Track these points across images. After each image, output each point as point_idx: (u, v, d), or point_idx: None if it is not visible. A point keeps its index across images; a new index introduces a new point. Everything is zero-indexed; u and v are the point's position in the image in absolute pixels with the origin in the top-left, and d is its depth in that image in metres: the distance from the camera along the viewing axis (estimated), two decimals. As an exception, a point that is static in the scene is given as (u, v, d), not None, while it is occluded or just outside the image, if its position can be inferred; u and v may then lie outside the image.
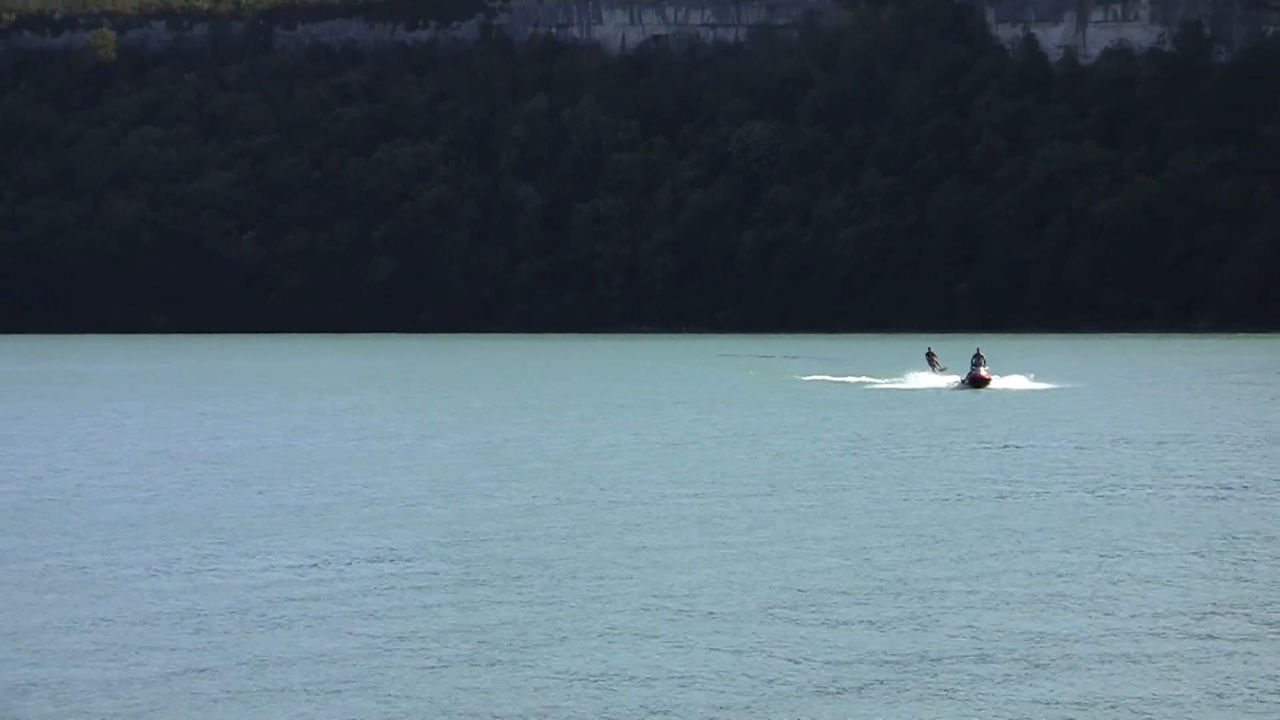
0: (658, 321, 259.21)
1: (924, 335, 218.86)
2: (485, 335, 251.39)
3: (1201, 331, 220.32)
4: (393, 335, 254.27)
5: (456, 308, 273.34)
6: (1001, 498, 42.06)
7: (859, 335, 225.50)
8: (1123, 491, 43.01)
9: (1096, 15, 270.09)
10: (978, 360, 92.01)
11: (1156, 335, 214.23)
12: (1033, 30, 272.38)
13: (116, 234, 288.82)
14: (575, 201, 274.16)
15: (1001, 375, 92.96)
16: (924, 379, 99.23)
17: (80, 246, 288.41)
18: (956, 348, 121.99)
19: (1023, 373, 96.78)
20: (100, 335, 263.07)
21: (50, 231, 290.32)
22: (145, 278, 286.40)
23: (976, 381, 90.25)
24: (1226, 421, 67.24)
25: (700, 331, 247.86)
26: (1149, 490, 42.96)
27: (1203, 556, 31.99)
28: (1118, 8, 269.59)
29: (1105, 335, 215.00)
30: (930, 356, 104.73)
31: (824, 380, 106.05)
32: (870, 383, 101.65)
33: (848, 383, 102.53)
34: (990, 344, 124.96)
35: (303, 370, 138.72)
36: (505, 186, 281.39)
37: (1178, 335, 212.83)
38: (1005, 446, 57.38)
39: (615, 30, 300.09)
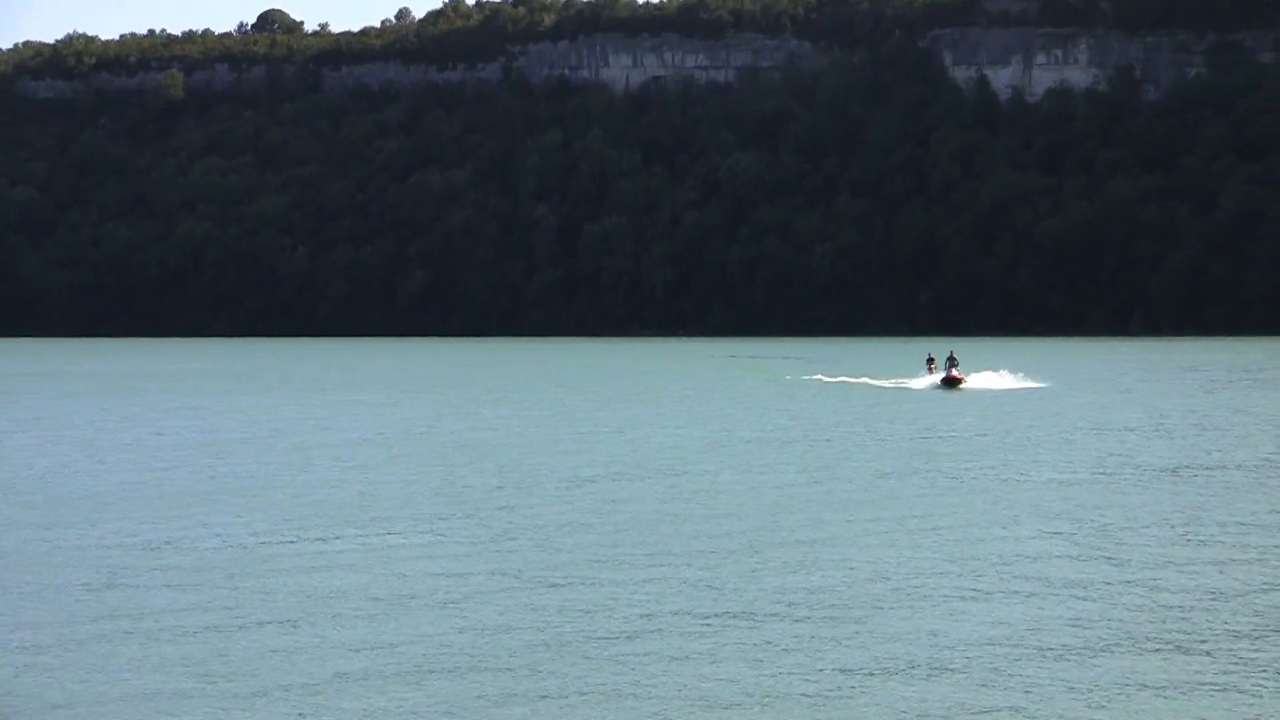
0: (657, 325, 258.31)
1: (890, 338, 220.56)
2: (506, 338, 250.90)
3: (1133, 334, 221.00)
4: (425, 338, 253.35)
5: (481, 314, 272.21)
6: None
7: (833, 338, 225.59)
8: (1118, 472, 43.84)
9: (1040, 59, 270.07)
10: (951, 362, 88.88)
11: (1094, 338, 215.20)
12: (985, 72, 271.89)
13: (185, 250, 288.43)
14: (585, 221, 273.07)
15: (967, 374, 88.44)
16: (919, 381, 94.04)
17: (153, 261, 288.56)
18: (923, 349, 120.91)
19: (995, 370, 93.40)
20: (170, 338, 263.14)
21: (128, 249, 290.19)
22: (209, 288, 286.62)
23: (950, 382, 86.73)
24: (1184, 412, 68.10)
25: (694, 334, 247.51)
26: (1137, 470, 44.10)
27: (1188, 528, 33.07)
28: (1059, 52, 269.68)
29: (1048, 338, 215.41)
30: (930, 361, 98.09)
31: (820, 379, 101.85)
32: (870, 382, 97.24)
33: (851, 382, 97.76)
34: (950, 344, 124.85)
35: (364, 369, 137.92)
36: (523, 208, 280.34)
37: (1112, 338, 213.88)
38: (1026, 436, 58.47)
39: (620, 72, 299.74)
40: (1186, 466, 43.63)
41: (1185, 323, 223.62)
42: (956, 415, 67.51)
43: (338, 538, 31.75)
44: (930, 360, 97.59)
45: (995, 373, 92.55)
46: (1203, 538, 30.00)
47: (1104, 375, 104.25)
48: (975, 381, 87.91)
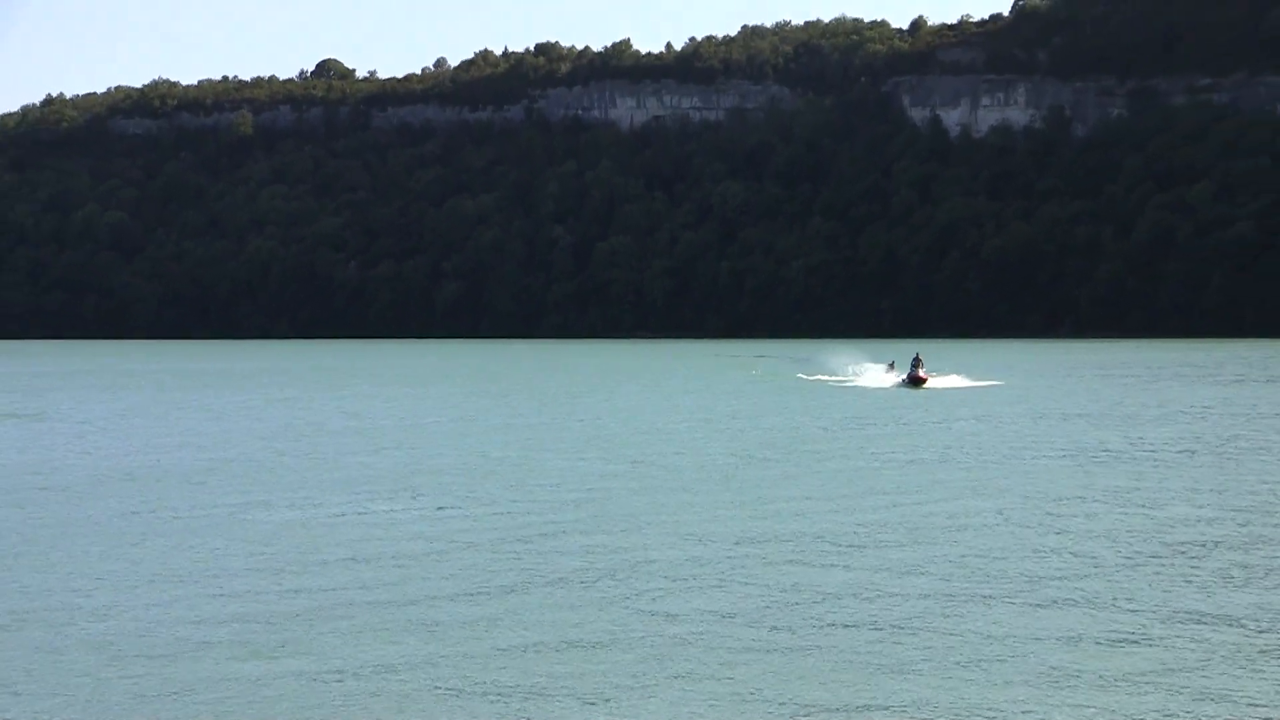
0: (658, 330, 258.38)
1: (858, 340, 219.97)
2: (528, 340, 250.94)
3: (1063, 337, 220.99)
4: (458, 340, 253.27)
5: (506, 319, 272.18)
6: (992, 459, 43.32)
7: (808, 339, 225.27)
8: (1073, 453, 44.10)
9: (985, 101, 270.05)
10: (916, 363, 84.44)
11: (1031, 339, 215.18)
12: (938, 112, 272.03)
13: (253, 265, 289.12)
14: (596, 240, 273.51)
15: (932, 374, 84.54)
16: (878, 378, 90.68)
17: (226, 275, 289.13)
18: (889, 350, 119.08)
19: (954, 374, 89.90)
20: (240, 340, 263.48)
21: (204, 264, 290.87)
22: (274, 297, 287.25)
23: (915, 381, 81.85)
24: (1122, 402, 67.90)
25: (690, 337, 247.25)
26: (1080, 451, 44.20)
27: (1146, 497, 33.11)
28: (1001, 95, 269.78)
29: (992, 340, 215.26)
30: (892, 365, 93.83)
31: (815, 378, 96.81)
32: (847, 381, 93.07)
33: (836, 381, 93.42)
34: (912, 346, 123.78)
35: (410, 366, 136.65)
36: (543, 228, 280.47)
37: (1047, 340, 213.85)
38: (978, 424, 58.58)
39: (626, 112, 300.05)
40: (1127, 449, 44.03)
41: (1108, 327, 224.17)
42: (919, 408, 67.45)
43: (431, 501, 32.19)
44: (891, 364, 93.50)
45: (953, 375, 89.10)
46: (1132, 504, 30.51)
47: (1045, 373, 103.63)
48: (935, 382, 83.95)
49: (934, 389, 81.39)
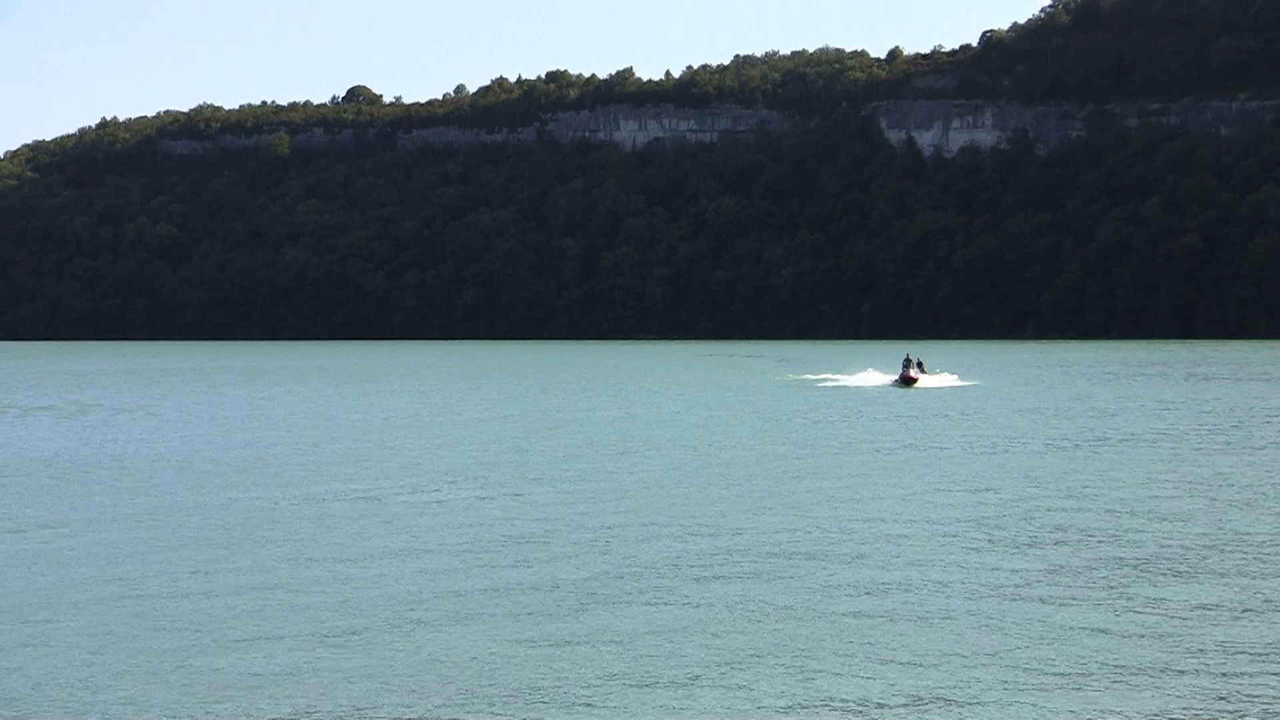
0: (658, 331, 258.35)
1: (839, 341, 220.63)
2: (540, 341, 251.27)
3: (1027, 338, 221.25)
4: (476, 341, 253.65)
5: (520, 322, 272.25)
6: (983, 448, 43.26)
7: (794, 341, 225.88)
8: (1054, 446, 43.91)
9: (956, 124, 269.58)
10: (907, 364, 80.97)
11: (997, 340, 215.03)
12: (912, 134, 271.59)
13: (290, 273, 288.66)
14: (602, 250, 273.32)
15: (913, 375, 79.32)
16: (871, 378, 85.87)
17: (265, 281, 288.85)
18: (863, 350, 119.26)
19: (937, 372, 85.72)
20: (278, 341, 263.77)
21: (245, 272, 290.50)
22: (309, 302, 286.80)
23: (906, 381, 78.02)
24: (1095, 398, 67.81)
25: (686, 338, 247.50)
26: (1059, 440, 44.29)
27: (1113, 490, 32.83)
28: (970, 119, 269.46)
29: (962, 341, 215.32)
30: (908, 363, 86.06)
31: (805, 378, 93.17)
32: (833, 380, 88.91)
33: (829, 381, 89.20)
34: (886, 347, 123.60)
35: (433, 365, 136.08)
36: (554, 240, 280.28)
37: (1011, 341, 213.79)
38: (969, 419, 58.40)
39: (629, 134, 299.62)
40: (1104, 438, 43.95)
41: (1068, 329, 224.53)
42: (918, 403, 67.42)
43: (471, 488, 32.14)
44: (909, 362, 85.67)
45: (945, 375, 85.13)
46: (1096, 489, 30.34)
47: (1018, 371, 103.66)
48: (926, 381, 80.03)
49: (924, 388, 78.15)
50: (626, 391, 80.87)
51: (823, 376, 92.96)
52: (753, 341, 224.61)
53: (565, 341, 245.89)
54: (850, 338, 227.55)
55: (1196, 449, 41.40)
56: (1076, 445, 43.12)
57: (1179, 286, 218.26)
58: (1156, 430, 48.38)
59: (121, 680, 15.92)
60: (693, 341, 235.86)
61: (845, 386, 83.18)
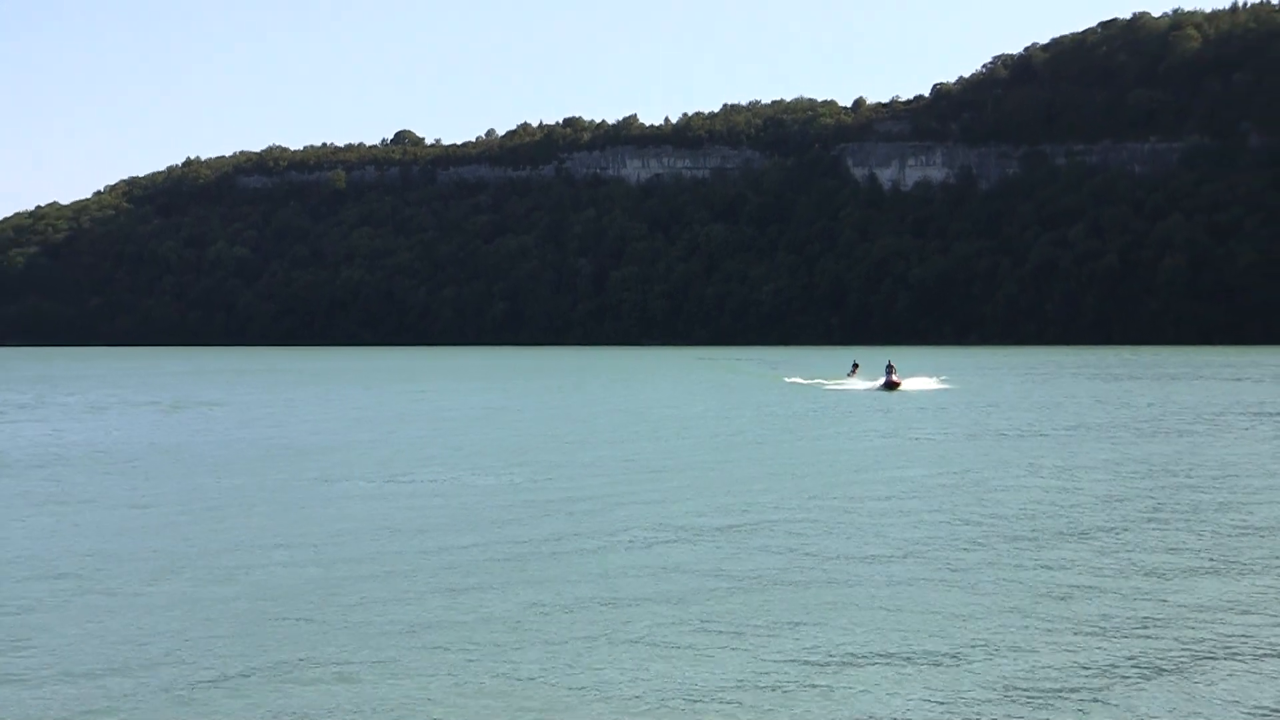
0: (658, 339, 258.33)
1: (815, 347, 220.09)
2: (558, 347, 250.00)
3: (972, 344, 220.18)
4: (503, 347, 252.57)
5: (540, 331, 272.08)
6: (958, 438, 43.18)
7: (775, 347, 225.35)
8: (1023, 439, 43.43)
9: (911, 162, 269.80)
10: (890, 369, 73.95)
11: (945, 346, 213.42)
12: (874, 170, 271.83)
13: (346, 288, 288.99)
14: (611, 269, 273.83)
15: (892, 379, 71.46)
16: (852, 383, 78.93)
17: (325, 295, 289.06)
18: (831, 356, 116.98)
19: (926, 375, 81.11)
20: (335, 347, 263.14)
21: (307, 288, 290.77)
22: (362, 313, 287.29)
23: (890, 386, 70.66)
24: (1052, 396, 67.58)
25: (683, 345, 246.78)
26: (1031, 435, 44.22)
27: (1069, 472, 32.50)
28: (923, 157, 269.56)
29: (915, 346, 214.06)
30: (855, 368, 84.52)
31: (798, 380, 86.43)
32: (824, 383, 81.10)
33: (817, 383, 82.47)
34: (852, 352, 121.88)
35: (470, 367, 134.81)
36: (569, 261, 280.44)
37: (960, 347, 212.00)
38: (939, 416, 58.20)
39: (633, 170, 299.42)
40: (1053, 430, 43.92)
41: (1006, 337, 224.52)
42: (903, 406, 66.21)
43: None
44: (855, 366, 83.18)
45: (923, 378, 79.26)
46: (1044, 473, 30.34)
47: (978, 374, 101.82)
48: (908, 385, 73.24)
49: (907, 391, 71.22)
50: (664, 388, 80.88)
51: (814, 381, 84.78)
52: (740, 347, 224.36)
53: (579, 347, 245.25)
54: (823, 344, 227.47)
55: (1136, 436, 41.45)
56: (1064, 433, 43.24)
57: (1100, 300, 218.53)
58: (1080, 422, 48.39)
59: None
60: (689, 347, 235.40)
61: (834, 389, 76.79)
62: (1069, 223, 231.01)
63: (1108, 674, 13.22)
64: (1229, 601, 16.63)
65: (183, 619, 15.92)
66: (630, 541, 21.46)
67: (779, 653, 14.06)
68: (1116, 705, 12.18)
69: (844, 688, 12.82)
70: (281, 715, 12.16)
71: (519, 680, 13.15)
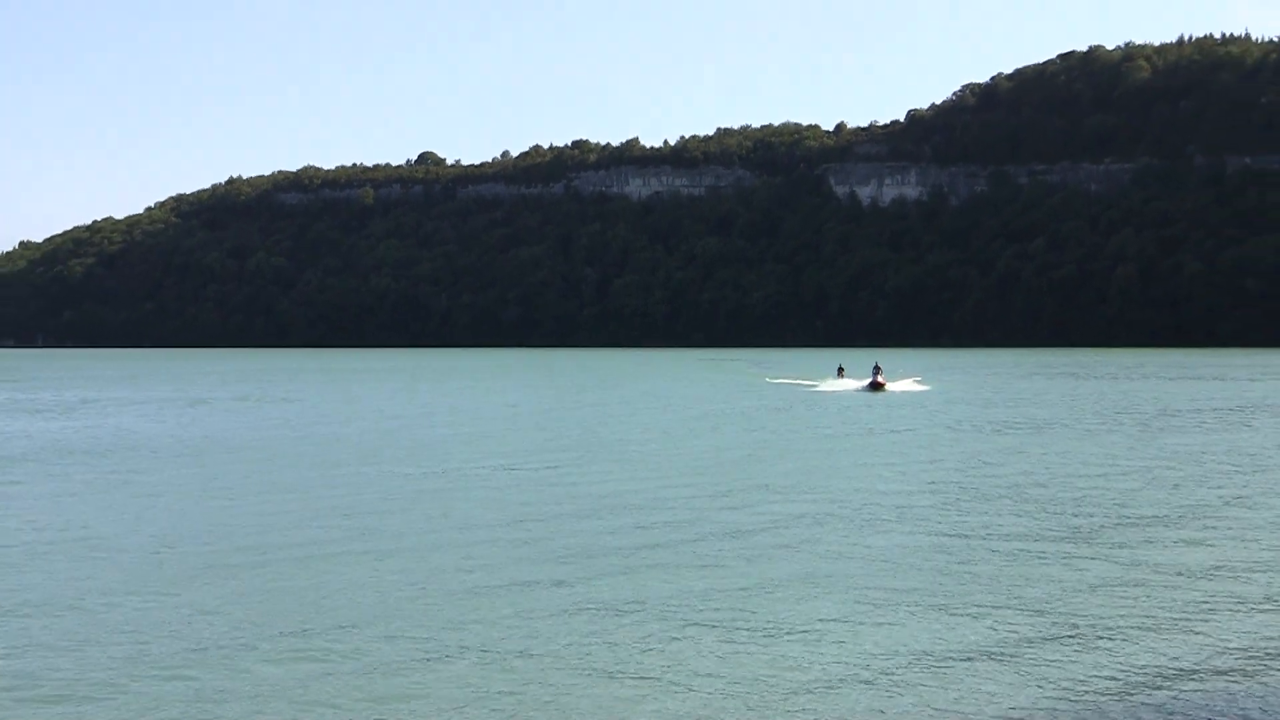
0: (658, 341, 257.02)
1: (800, 349, 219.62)
2: (566, 349, 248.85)
3: (944, 346, 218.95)
4: (518, 349, 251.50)
5: (550, 334, 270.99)
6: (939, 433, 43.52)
7: (764, 349, 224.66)
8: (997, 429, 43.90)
9: (888, 180, 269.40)
10: (876, 371, 70.26)
11: (920, 348, 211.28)
12: (854, 188, 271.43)
13: (374, 295, 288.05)
14: (615, 278, 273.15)
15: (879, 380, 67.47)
16: (842, 384, 73.03)
17: (355, 303, 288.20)
18: (817, 357, 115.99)
19: (908, 377, 76.40)
20: (364, 349, 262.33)
21: (340, 294, 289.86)
22: (388, 318, 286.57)
23: (875, 387, 66.61)
24: (1005, 389, 67.92)
25: (681, 346, 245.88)
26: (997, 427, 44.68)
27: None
28: (899, 177, 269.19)
29: (892, 348, 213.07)
30: (840, 371, 79.77)
31: (785, 381, 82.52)
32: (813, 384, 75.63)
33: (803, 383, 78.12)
34: (835, 354, 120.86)
35: (487, 367, 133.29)
36: (577, 270, 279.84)
37: (932, 349, 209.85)
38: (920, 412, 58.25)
39: (635, 189, 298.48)
40: (1027, 421, 43.92)
41: (974, 340, 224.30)
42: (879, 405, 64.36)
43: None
44: (877, 370, 72.94)
45: (906, 380, 74.09)
46: (1013, 461, 30.38)
47: (954, 373, 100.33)
48: (893, 387, 68.51)
49: (892, 392, 66.28)
50: (674, 385, 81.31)
51: (802, 383, 79.40)
52: (732, 349, 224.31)
53: (586, 349, 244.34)
54: (808, 346, 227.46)
55: (1101, 427, 41.72)
56: (1037, 427, 43.74)
57: (1059, 307, 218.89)
58: (1062, 415, 48.67)
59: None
60: (686, 349, 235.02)
61: (823, 391, 71.38)
62: (1031, 236, 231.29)
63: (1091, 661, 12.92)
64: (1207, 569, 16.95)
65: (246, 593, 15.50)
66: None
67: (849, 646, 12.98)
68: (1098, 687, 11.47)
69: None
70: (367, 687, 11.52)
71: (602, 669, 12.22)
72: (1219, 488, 26.02)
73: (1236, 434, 39.67)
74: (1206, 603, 14.86)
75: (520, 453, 34.64)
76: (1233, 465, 30.35)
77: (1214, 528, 20.69)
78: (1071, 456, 32.99)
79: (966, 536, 19.81)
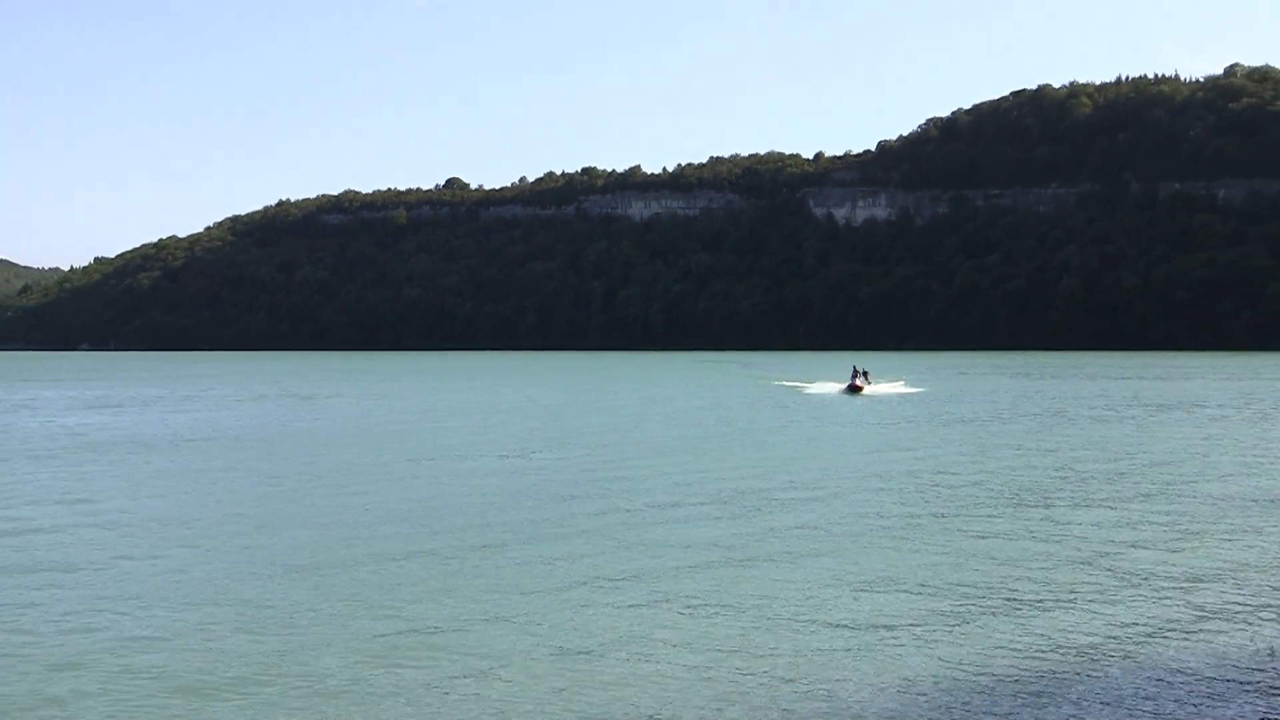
0: (658, 346, 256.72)
1: (787, 352, 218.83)
2: (577, 352, 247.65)
3: (908, 350, 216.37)
4: (534, 352, 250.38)
5: (562, 339, 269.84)
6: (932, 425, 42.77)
7: (752, 352, 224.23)
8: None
9: (861, 203, 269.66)
10: (854, 374, 64.64)
11: (889, 352, 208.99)
12: (831, 210, 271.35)
13: (405, 304, 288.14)
14: (619, 290, 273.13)
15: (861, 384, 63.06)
16: (826, 386, 68.32)
17: (389, 311, 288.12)
18: (800, 360, 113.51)
19: (896, 380, 71.14)
20: (398, 352, 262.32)
21: (375, 305, 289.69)
22: (419, 325, 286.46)
23: (853, 389, 61.90)
24: (959, 388, 66.11)
25: (678, 350, 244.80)
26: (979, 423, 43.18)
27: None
28: (870, 200, 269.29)
29: (863, 352, 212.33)
30: (855, 373, 68.40)
31: (775, 382, 78.43)
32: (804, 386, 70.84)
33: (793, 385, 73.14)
34: (821, 357, 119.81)
35: (507, 368, 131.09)
36: (586, 282, 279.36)
37: (900, 352, 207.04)
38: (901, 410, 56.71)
39: (638, 210, 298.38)
40: (986, 418, 43.34)
41: (937, 344, 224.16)
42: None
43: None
44: (856, 372, 65.90)
45: (886, 383, 68.74)
46: (988, 454, 29.97)
47: (929, 374, 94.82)
48: (870, 390, 63.41)
49: (870, 395, 61.78)
50: (686, 385, 79.51)
51: (793, 384, 74.79)
52: (723, 352, 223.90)
53: (594, 352, 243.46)
54: (791, 350, 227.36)
55: (1050, 424, 41.26)
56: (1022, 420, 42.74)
57: (1011, 314, 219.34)
58: (1005, 412, 47.47)
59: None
60: (683, 352, 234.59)
61: (808, 393, 66.30)
62: (987, 252, 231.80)
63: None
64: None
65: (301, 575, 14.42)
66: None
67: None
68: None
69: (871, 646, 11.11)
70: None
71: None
72: (1143, 476, 25.35)
73: (1175, 426, 39.34)
74: (1128, 579, 14.06)
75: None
76: (1168, 453, 30.33)
77: (1147, 508, 20.27)
78: (1050, 451, 32.39)
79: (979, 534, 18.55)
